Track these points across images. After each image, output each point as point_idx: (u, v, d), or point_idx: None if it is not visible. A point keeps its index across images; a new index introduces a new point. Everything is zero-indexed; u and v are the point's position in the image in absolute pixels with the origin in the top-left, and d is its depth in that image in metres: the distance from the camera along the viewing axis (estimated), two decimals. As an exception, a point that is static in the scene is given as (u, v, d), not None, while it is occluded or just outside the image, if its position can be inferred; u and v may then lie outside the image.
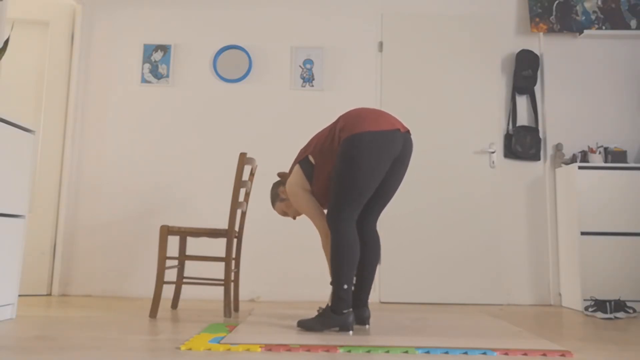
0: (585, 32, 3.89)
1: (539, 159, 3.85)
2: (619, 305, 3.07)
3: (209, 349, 1.96)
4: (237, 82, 3.91)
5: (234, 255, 3.08)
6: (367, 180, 2.34)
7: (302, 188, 2.54)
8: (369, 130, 2.33)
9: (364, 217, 2.56)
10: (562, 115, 3.92)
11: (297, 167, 2.57)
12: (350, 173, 2.33)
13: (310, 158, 2.55)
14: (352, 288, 2.42)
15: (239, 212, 3.49)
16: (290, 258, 3.73)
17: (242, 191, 3.75)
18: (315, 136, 2.61)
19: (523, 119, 3.93)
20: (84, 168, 3.81)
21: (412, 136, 3.87)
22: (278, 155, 3.80)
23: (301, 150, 2.62)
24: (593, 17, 3.94)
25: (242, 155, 2.85)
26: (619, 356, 1.98)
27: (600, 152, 3.66)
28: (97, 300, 3.46)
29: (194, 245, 3.73)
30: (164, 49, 3.91)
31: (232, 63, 3.91)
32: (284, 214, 2.76)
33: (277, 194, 2.73)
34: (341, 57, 3.94)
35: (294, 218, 2.77)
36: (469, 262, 3.74)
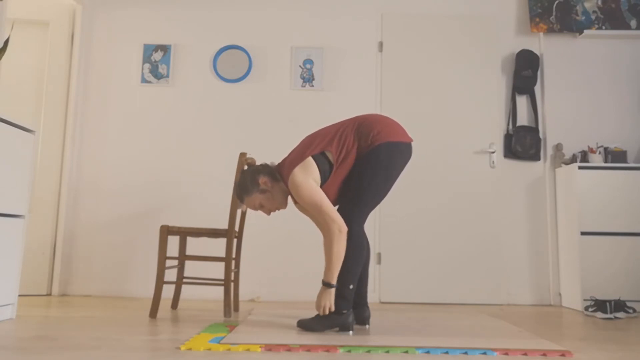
0: (585, 32, 3.89)
1: (539, 159, 3.85)
2: (619, 305, 3.07)
3: (209, 349, 1.96)
4: (237, 82, 3.91)
5: (234, 255, 3.08)
6: (389, 188, 2.41)
7: (316, 182, 2.38)
8: (402, 141, 2.41)
9: None
10: (562, 115, 3.92)
11: (310, 160, 2.38)
12: (382, 179, 2.36)
13: (329, 155, 2.40)
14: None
15: (239, 212, 3.49)
16: (290, 258, 3.73)
17: (242, 191, 3.75)
18: (324, 133, 2.45)
19: (523, 119, 3.93)
20: (84, 168, 3.81)
21: (411, 136, 3.87)
22: (278, 155, 3.80)
23: (306, 144, 2.44)
24: (593, 17, 3.94)
25: (242, 155, 2.85)
26: (619, 356, 1.98)
27: (600, 152, 3.65)
28: (97, 300, 3.46)
29: (194, 245, 3.73)
30: (164, 49, 3.91)
31: (232, 63, 3.91)
32: (259, 207, 2.48)
33: (257, 184, 2.43)
34: (341, 57, 3.94)
35: (269, 214, 2.52)
36: (469, 262, 3.74)
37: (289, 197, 2.54)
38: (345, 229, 2.31)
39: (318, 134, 2.48)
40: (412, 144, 3.84)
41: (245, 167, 2.58)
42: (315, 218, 2.56)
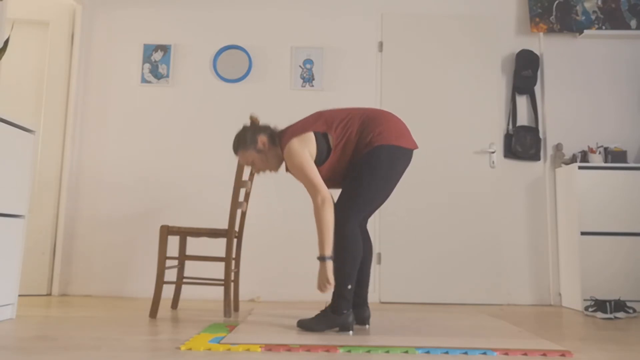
0: (585, 32, 3.89)
1: (539, 159, 3.85)
2: (619, 305, 3.07)
3: (209, 349, 1.96)
4: (237, 82, 3.91)
5: (234, 255, 3.08)
6: (388, 190, 2.40)
7: (310, 155, 2.38)
8: (403, 147, 2.38)
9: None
10: (562, 115, 3.92)
11: (311, 135, 2.39)
12: (382, 181, 2.35)
13: (330, 138, 2.41)
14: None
15: (239, 212, 3.49)
16: (290, 258, 3.73)
17: (242, 191, 3.75)
18: (332, 115, 2.44)
19: (523, 119, 3.93)
20: (84, 168, 3.81)
21: (412, 136, 3.87)
22: (278, 155, 3.80)
23: (313, 119, 2.44)
24: (593, 17, 3.94)
25: (242, 155, 2.85)
26: (619, 356, 1.98)
27: (600, 152, 3.65)
28: (97, 300, 3.46)
29: (194, 245, 3.73)
30: (164, 49, 3.91)
31: (232, 63, 3.91)
32: (250, 164, 2.52)
33: (255, 142, 2.47)
34: (341, 57, 3.94)
35: (258, 172, 2.56)
36: (469, 262, 3.74)
37: (283, 165, 2.54)
38: (329, 199, 2.32)
39: (326, 114, 2.47)
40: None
41: (249, 124, 2.58)
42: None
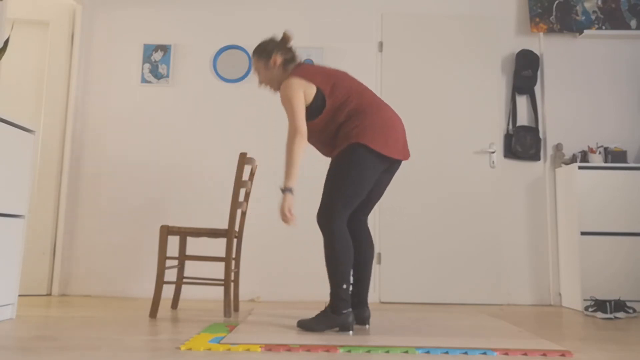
0: (585, 32, 3.89)
1: (539, 159, 3.85)
2: (619, 305, 3.07)
3: (209, 349, 1.96)
4: (237, 82, 3.91)
5: (234, 255, 3.08)
6: (367, 189, 2.39)
7: (303, 94, 2.39)
8: (379, 152, 2.34)
9: (357, 217, 2.58)
10: (562, 115, 3.92)
11: (314, 88, 2.40)
12: (353, 179, 2.34)
13: (326, 103, 2.40)
14: (350, 287, 2.43)
15: (239, 212, 3.49)
16: (290, 258, 3.73)
17: (242, 191, 3.76)
18: (344, 87, 2.43)
19: (523, 119, 3.93)
20: (84, 168, 3.81)
21: (412, 136, 3.87)
22: (278, 155, 3.80)
23: (330, 76, 2.44)
24: (593, 17, 3.94)
25: (242, 155, 2.85)
26: (619, 356, 1.98)
27: (600, 152, 3.65)
28: (97, 300, 3.46)
29: (194, 245, 3.73)
30: (164, 49, 3.91)
31: (232, 63, 3.91)
32: (256, 70, 2.57)
33: (269, 57, 2.51)
34: (341, 57, 3.94)
35: (259, 84, 2.60)
36: (469, 262, 3.74)
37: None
38: (302, 133, 2.35)
39: (342, 82, 2.44)
40: (412, 144, 3.83)
41: (280, 38, 2.59)
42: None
